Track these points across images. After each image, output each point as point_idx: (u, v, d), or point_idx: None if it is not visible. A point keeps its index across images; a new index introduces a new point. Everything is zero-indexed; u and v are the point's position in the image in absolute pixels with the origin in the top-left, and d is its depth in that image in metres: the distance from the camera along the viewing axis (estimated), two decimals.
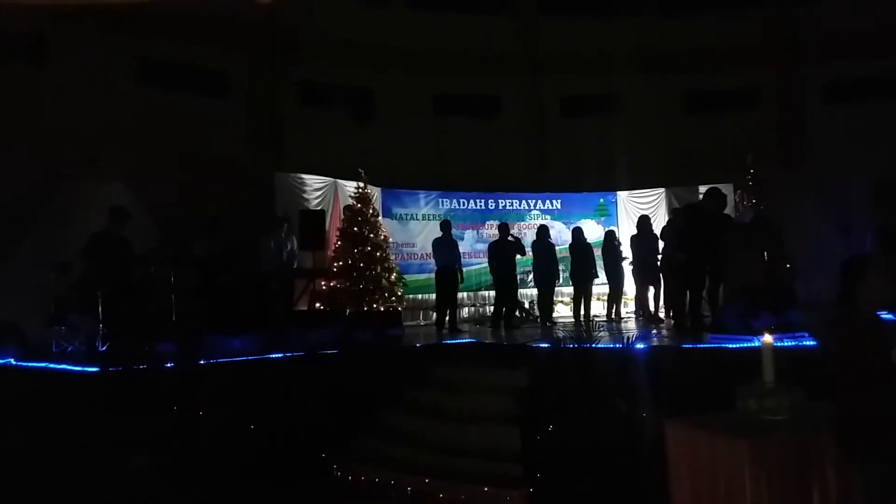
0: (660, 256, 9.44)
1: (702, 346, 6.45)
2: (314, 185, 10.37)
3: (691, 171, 11.76)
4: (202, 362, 6.22)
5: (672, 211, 10.67)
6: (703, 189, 10.36)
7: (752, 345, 5.48)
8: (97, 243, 7.14)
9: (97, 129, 9.23)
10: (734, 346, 5.90)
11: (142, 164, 9.26)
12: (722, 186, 9.75)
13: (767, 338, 3.89)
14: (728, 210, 9.13)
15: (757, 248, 7.31)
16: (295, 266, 8.96)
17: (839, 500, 3.44)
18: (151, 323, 6.87)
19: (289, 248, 8.96)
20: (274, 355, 6.69)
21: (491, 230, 11.57)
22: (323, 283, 9.51)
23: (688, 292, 7.90)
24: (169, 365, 6.05)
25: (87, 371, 5.97)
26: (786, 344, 5.41)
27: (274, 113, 11.58)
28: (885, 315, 3.84)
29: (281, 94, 11.70)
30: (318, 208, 9.96)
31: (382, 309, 9.28)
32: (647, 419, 4.85)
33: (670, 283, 8.94)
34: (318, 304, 9.23)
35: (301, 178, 10.28)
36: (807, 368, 4.48)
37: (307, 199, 10.16)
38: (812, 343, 5.74)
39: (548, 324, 9.79)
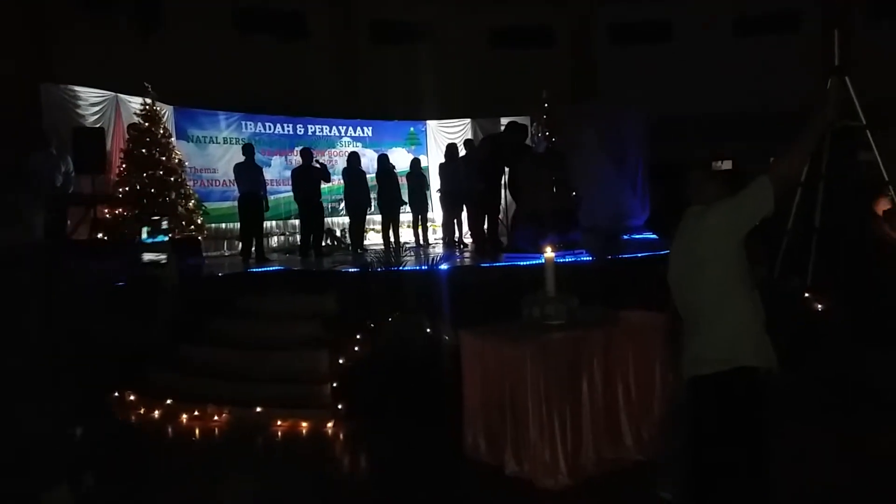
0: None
1: (498, 265, 6.97)
2: (91, 99, 9.06)
3: (495, 104, 12.30)
4: None
5: (465, 143, 10.98)
6: (504, 121, 10.96)
7: (540, 262, 6.04)
8: None
9: None
10: (525, 263, 6.45)
11: None
12: (521, 119, 10.42)
13: (549, 254, 4.31)
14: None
15: (547, 177, 7.97)
16: (71, 191, 7.88)
17: (604, 385, 4.01)
18: None
19: (63, 170, 7.84)
20: None
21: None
22: (106, 210, 8.50)
23: (486, 217, 8.43)
24: None
25: None
26: (566, 260, 6.04)
27: (40, 13, 9.75)
28: None
29: None
30: (97, 126, 8.78)
31: (178, 238, 8.58)
32: (448, 333, 5.16)
33: (471, 209, 9.42)
34: (99, 234, 8.26)
35: (74, 91, 8.91)
36: (582, 280, 5.09)
37: (82, 116, 8.87)
38: (588, 259, 6.51)
39: (359, 251, 9.85)
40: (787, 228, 4.67)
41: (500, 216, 8.59)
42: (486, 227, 8.67)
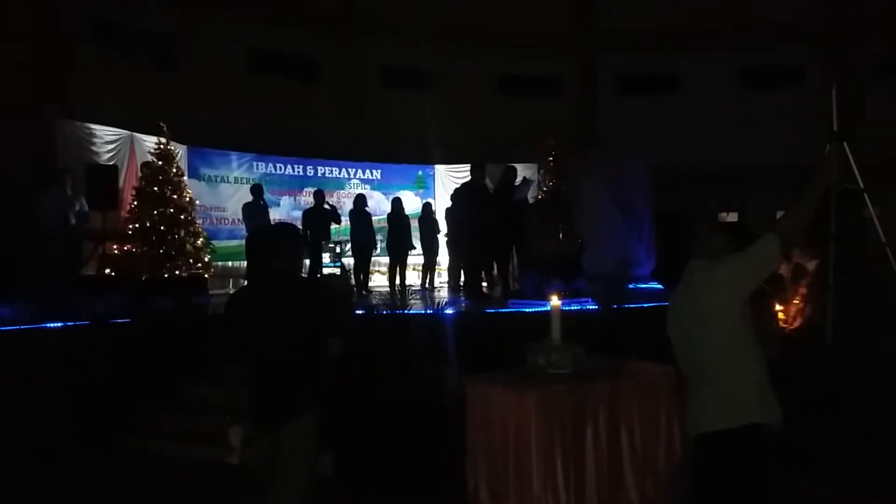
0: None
1: (503, 310, 6.95)
2: (106, 137, 9.26)
3: (502, 149, 12.49)
4: None
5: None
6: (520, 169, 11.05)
7: (545, 309, 6.02)
8: None
9: None
10: (530, 310, 6.43)
11: None
12: (528, 165, 10.56)
13: (555, 301, 4.30)
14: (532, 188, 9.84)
15: (552, 223, 8.03)
16: (86, 227, 7.98)
17: (608, 438, 3.95)
18: None
19: (77, 207, 7.94)
20: (52, 325, 5.94)
21: (309, 197, 11.30)
22: (115, 246, 8.58)
23: (495, 263, 8.45)
24: None
25: None
26: (571, 308, 6.03)
27: (59, 53, 10.06)
28: None
29: (67, 33, 10.20)
30: (111, 163, 8.95)
31: (185, 275, 8.62)
32: (452, 378, 5.12)
33: (477, 254, 9.40)
34: (108, 270, 8.32)
35: (90, 129, 9.12)
36: (587, 328, 5.08)
37: (97, 153, 9.06)
38: (593, 307, 6.49)
39: (363, 292, 9.85)
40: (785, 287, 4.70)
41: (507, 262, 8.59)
42: (493, 271, 8.70)
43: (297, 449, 3.07)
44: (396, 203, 10.64)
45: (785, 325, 4.79)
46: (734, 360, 2.58)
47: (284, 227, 3.96)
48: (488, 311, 7.00)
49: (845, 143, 3.70)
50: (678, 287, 2.78)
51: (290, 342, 3.04)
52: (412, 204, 12.05)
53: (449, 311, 6.63)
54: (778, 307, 4.81)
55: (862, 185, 4.25)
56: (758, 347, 2.64)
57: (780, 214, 2.79)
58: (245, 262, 9.70)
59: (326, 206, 9.70)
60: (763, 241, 2.54)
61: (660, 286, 8.87)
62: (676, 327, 2.76)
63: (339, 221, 9.98)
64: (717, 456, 2.57)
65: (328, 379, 3.18)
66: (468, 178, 9.09)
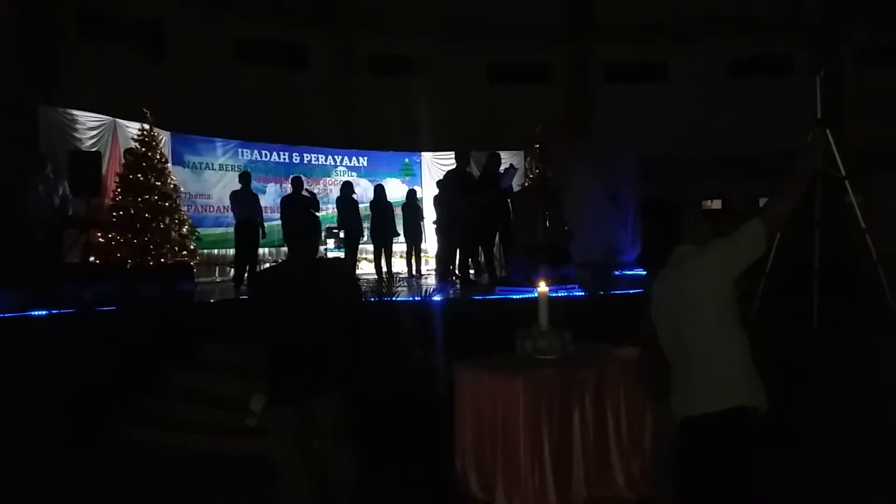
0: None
1: (491, 297, 6.98)
2: (88, 123, 9.13)
3: (490, 137, 12.47)
4: None
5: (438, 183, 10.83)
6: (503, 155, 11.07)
7: (533, 295, 6.04)
8: None
9: None
10: (518, 296, 6.47)
11: None
12: (515, 153, 10.55)
13: (543, 288, 4.33)
14: (519, 176, 9.85)
15: (540, 211, 8.05)
16: (70, 214, 7.89)
17: (595, 422, 4.00)
18: None
19: (60, 192, 7.84)
20: (36, 313, 5.89)
21: None
22: (99, 234, 8.49)
23: (481, 249, 8.48)
24: None
25: None
26: (559, 294, 6.07)
27: (44, 40, 9.88)
28: None
29: (53, 20, 10.01)
30: (94, 150, 8.83)
31: (171, 263, 8.57)
32: (442, 365, 5.13)
33: (464, 240, 9.41)
34: (92, 258, 8.24)
35: (72, 115, 8.99)
36: (575, 314, 5.11)
37: (79, 139, 8.93)
38: (580, 293, 6.54)
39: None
40: (766, 271, 4.76)
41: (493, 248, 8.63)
42: (480, 258, 8.74)
43: (329, 432, 3.20)
44: (379, 190, 10.60)
45: None
46: (721, 344, 2.60)
47: (312, 216, 4.02)
48: (476, 297, 7.02)
49: (828, 131, 3.74)
50: (663, 273, 2.79)
51: (314, 324, 3.15)
52: (399, 191, 12.02)
53: (437, 298, 6.64)
54: None
55: (843, 173, 4.30)
56: (744, 331, 2.67)
57: (764, 202, 2.80)
58: (230, 250, 9.64)
59: (305, 194, 9.61)
60: (749, 225, 2.56)
61: (644, 272, 8.91)
62: (663, 312, 2.77)
63: (318, 209, 9.86)
64: (702, 439, 2.59)
65: (347, 362, 3.24)
66: (454, 166, 9.09)
